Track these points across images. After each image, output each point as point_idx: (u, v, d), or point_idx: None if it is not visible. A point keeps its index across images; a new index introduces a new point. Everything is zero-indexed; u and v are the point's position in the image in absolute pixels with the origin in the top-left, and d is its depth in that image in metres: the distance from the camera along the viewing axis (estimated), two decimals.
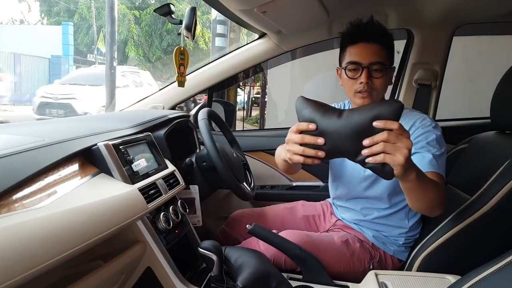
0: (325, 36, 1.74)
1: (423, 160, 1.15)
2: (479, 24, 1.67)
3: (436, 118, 1.82)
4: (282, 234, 1.31)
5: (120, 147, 1.08)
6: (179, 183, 1.31)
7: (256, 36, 1.88)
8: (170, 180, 1.25)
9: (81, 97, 8.82)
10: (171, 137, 1.46)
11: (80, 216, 0.80)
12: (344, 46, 1.29)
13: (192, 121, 1.82)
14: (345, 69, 1.25)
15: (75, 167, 0.95)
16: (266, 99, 4.49)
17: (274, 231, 1.34)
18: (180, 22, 1.22)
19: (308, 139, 0.89)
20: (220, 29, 4.16)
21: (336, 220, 1.53)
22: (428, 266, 1.20)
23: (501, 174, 1.17)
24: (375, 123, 0.81)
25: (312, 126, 0.88)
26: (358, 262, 1.34)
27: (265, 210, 1.65)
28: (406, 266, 1.27)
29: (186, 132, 1.73)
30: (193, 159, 1.50)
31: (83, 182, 0.93)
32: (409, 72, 1.77)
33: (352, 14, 1.34)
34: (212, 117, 1.60)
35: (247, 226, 1.23)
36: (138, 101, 2.02)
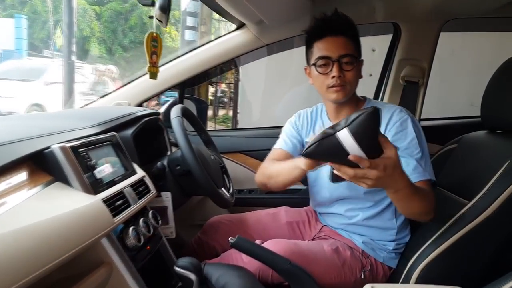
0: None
1: (407, 169, 1.11)
2: (466, 20, 1.63)
3: (422, 117, 1.76)
4: (268, 243, 1.21)
5: (80, 150, 0.92)
6: (150, 191, 1.16)
7: (232, 28, 1.75)
8: (139, 188, 1.10)
9: (6, 94, 7.61)
10: (138, 137, 1.30)
11: (29, 237, 0.65)
12: (311, 42, 1.28)
13: (162, 119, 1.66)
14: (315, 65, 1.24)
15: (22, 175, 0.78)
16: (236, 97, 4.37)
17: (257, 241, 1.24)
18: (152, 4, 1.06)
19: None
20: (190, 21, 3.96)
21: (322, 226, 1.46)
22: (428, 277, 1.12)
23: (501, 176, 1.12)
24: (350, 157, 0.82)
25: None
26: (350, 271, 1.26)
27: (245, 216, 1.55)
28: (402, 277, 1.19)
29: (156, 132, 1.58)
30: (165, 163, 1.35)
31: (33, 193, 0.76)
32: (396, 69, 1.70)
33: (337, 5, 1.28)
34: (186, 115, 1.46)
35: (229, 239, 1.10)
36: (100, 98, 1.83)
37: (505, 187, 1.09)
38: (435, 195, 1.14)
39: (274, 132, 1.89)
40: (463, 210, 1.14)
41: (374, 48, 3.06)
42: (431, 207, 1.09)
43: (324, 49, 1.23)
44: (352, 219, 1.34)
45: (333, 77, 1.21)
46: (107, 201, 0.90)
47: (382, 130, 1.22)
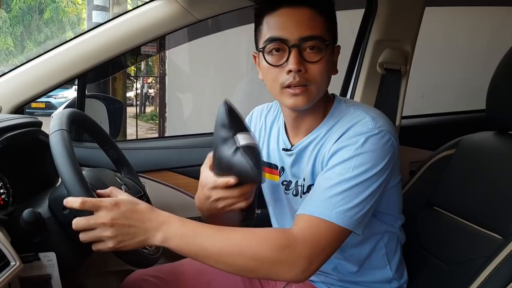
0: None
1: (313, 192, 0.85)
2: None
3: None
4: None
5: None
6: (8, 263, 0.72)
7: None
8: None
9: None
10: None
11: None
12: (260, 17, 0.90)
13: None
14: (263, 52, 0.87)
15: None
16: (164, 93, 3.85)
17: None
18: None
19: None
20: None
21: None
22: None
23: None
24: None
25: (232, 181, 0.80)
26: None
27: (181, 266, 1.15)
28: None
29: (37, 152, 1.10)
30: (43, 207, 0.90)
31: None
32: (371, 53, 1.39)
33: None
34: (80, 123, 1.03)
35: None
36: None
37: None
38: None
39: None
40: (504, 254, 0.84)
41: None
42: (274, 261, 0.76)
43: (278, 26, 0.85)
44: (334, 270, 0.99)
45: (290, 71, 0.84)
46: None
47: (329, 145, 0.87)
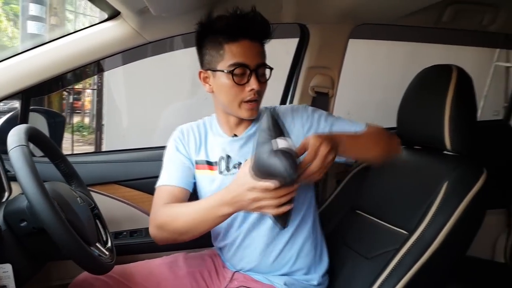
0: None
1: (345, 127, 1.19)
2: (376, 26, 1.56)
3: None
4: None
5: None
6: None
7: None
8: None
9: None
10: None
11: None
12: (218, 43, 1.11)
13: None
14: (231, 73, 1.09)
15: None
16: (101, 105, 3.74)
17: None
18: None
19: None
20: (34, 9, 3.13)
21: (234, 273, 1.22)
22: None
23: (443, 202, 1.04)
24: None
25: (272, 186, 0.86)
26: None
27: (131, 268, 1.22)
28: None
29: None
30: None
31: None
32: (304, 78, 1.55)
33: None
34: (34, 138, 1.04)
35: None
36: None
37: (449, 214, 1.01)
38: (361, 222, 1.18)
39: (159, 154, 1.57)
40: (408, 245, 1.02)
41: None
42: (390, 141, 1.21)
43: (241, 54, 1.09)
44: (267, 255, 1.15)
45: (251, 90, 1.10)
46: None
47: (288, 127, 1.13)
